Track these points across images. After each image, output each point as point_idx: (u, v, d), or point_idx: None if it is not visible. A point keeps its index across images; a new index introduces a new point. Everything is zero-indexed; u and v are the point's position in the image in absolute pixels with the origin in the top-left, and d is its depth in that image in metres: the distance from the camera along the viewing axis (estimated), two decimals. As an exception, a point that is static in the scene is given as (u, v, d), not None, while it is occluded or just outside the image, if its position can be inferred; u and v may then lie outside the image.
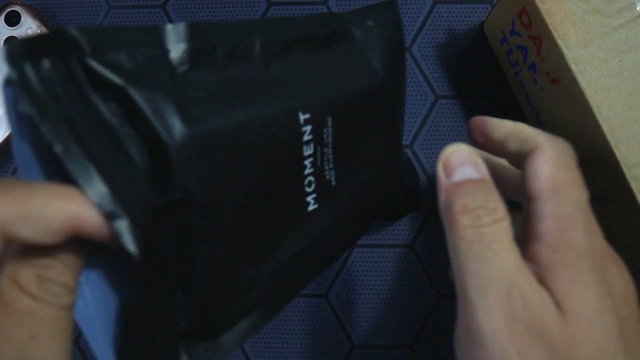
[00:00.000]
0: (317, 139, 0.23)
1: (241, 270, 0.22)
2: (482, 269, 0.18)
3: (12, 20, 0.35)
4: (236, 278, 0.22)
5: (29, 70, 0.15)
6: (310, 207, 0.23)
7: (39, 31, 0.35)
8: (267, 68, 0.22)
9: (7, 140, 0.35)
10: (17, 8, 0.35)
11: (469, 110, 0.36)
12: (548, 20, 0.26)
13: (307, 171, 0.23)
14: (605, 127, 0.25)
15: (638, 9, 0.26)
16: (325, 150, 0.23)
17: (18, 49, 0.15)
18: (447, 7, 0.36)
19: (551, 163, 0.20)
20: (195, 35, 0.19)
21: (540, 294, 0.18)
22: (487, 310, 0.18)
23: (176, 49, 0.19)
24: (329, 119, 0.23)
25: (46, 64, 0.16)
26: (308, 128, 0.22)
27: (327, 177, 0.24)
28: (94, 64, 0.17)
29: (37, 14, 0.36)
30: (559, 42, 0.26)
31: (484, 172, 0.21)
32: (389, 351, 0.35)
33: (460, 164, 0.21)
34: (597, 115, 0.25)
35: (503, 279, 0.18)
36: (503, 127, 0.23)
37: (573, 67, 0.26)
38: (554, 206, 0.20)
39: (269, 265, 0.23)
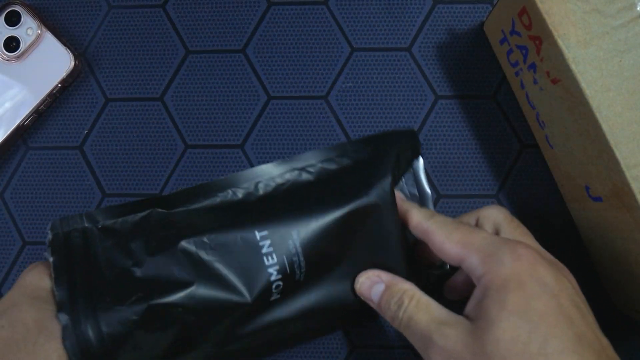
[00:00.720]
0: (280, 249, 0.28)
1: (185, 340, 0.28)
2: (412, 337, 0.25)
3: (12, 20, 0.35)
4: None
5: (57, 236, 0.27)
6: (273, 297, 0.28)
7: (38, 31, 0.35)
8: (250, 201, 0.30)
9: (7, 140, 0.35)
10: (17, 8, 0.35)
11: (469, 110, 0.36)
12: (548, 20, 0.26)
13: (273, 278, 0.27)
14: (605, 127, 0.25)
15: (638, 9, 0.26)
16: (295, 259, 0.28)
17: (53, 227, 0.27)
18: (447, 7, 0.36)
19: (445, 234, 0.26)
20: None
21: (455, 327, 0.23)
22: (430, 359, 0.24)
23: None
24: (294, 232, 0.28)
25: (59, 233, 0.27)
26: (267, 242, 0.27)
27: (297, 278, 0.28)
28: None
29: (37, 14, 0.36)
30: (559, 42, 0.26)
31: (385, 278, 0.28)
32: (389, 351, 0.35)
33: (368, 288, 0.28)
34: (597, 115, 0.25)
35: (424, 335, 0.24)
36: (409, 219, 0.29)
37: (573, 67, 0.26)
38: (473, 257, 0.24)
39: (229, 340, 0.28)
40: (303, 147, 0.36)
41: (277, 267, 0.27)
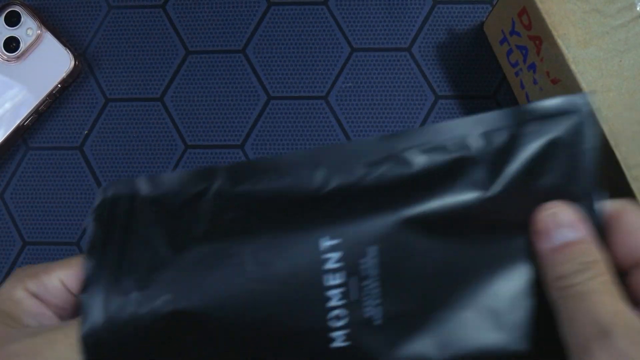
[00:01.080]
0: (351, 269, 0.21)
1: None
2: (585, 318, 0.20)
3: (12, 20, 0.35)
4: None
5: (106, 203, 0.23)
6: (336, 344, 0.21)
7: (38, 32, 0.35)
8: (323, 190, 0.22)
9: (7, 140, 0.35)
10: (17, 8, 0.35)
11: (469, 110, 0.36)
12: (548, 20, 0.26)
13: (332, 303, 0.21)
14: (605, 127, 0.25)
15: (638, 9, 0.26)
16: (366, 283, 0.21)
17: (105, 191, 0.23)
18: (447, 7, 0.36)
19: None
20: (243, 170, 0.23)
21: None
22: (603, 347, 0.19)
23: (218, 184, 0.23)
24: (372, 248, 0.21)
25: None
26: (334, 256, 0.21)
27: (368, 314, 0.21)
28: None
29: (37, 14, 0.36)
30: (559, 42, 0.26)
31: (583, 231, 0.21)
32: (388, 351, 0.35)
33: (558, 226, 0.22)
34: (597, 115, 0.25)
35: (610, 320, 0.19)
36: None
37: (573, 67, 0.26)
38: None
39: None
40: (303, 147, 0.36)
41: (341, 290, 0.21)
